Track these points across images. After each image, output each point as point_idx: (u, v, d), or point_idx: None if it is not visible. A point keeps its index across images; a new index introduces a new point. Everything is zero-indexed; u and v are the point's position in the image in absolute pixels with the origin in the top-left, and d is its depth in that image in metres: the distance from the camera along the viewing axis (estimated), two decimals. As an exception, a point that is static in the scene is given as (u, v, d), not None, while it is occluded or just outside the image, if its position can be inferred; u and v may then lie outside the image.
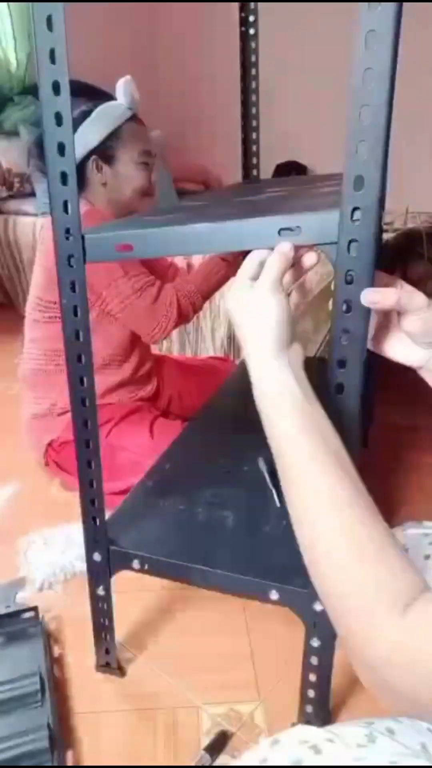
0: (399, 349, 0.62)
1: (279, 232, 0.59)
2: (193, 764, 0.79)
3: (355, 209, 0.55)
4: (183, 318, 1.28)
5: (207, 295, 1.32)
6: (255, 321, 0.57)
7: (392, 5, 0.49)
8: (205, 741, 0.82)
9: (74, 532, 1.13)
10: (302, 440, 0.53)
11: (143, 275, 1.25)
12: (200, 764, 0.78)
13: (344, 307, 0.59)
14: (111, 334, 1.37)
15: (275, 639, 1.00)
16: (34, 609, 1.00)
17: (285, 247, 0.58)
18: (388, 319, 0.63)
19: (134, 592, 1.10)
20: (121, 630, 1.02)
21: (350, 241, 0.57)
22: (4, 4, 2.30)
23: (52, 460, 1.42)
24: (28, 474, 1.52)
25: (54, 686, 0.88)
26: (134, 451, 1.29)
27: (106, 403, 1.38)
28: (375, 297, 0.57)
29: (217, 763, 0.80)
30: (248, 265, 0.59)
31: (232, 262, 1.27)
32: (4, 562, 1.19)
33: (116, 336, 1.38)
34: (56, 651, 0.97)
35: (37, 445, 1.43)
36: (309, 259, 0.61)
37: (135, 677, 0.94)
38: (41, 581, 1.10)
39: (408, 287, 0.59)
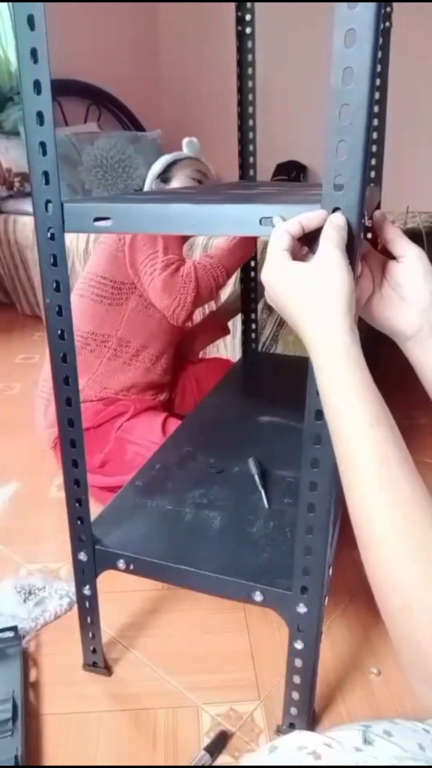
0: (390, 313, 0.60)
1: (260, 221, 0.59)
2: (193, 764, 0.79)
3: (335, 210, 0.55)
4: (203, 292, 1.28)
5: (231, 269, 1.33)
6: (320, 291, 0.51)
7: (371, 4, 0.49)
8: (205, 741, 0.82)
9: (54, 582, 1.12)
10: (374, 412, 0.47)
11: (176, 255, 1.28)
12: (200, 764, 0.78)
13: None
14: (146, 326, 1.38)
15: (275, 639, 1.00)
16: (14, 629, 0.97)
17: (340, 220, 0.54)
18: (379, 282, 0.61)
19: (134, 591, 1.11)
20: (120, 629, 1.03)
21: (331, 242, 0.56)
22: (4, 3, 2.31)
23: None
24: (28, 474, 1.53)
25: (28, 712, 0.85)
26: (144, 446, 1.29)
27: (122, 398, 1.39)
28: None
29: (217, 763, 0.80)
30: (281, 237, 0.54)
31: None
32: (5, 562, 1.20)
33: (150, 328, 1.39)
34: (33, 675, 0.94)
35: (50, 427, 1.41)
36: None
37: (135, 677, 0.93)
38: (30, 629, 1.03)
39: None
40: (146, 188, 1.47)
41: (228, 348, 1.86)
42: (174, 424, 1.35)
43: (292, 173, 3.03)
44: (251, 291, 1.59)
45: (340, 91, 0.52)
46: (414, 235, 2.07)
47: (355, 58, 0.50)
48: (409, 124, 2.72)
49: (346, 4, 0.49)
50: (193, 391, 1.60)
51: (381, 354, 1.68)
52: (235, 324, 1.77)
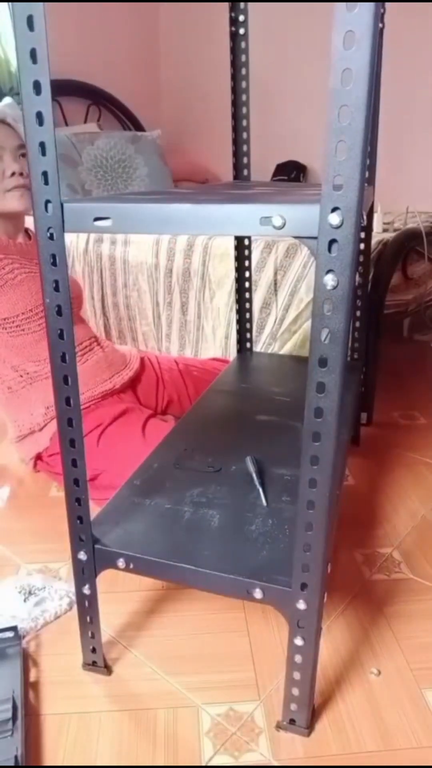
0: None
1: (260, 221, 0.59)
2: (192, 764, 0.79)
3: (334, 209, 0.56)
4: None
5: None
6: None
7: (370, 6, 0.49)
8: (205, 741, 0.82)
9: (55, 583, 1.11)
10: None
11: None
12: (201, 764, 0.79)
13: (325, 308, 0.59)
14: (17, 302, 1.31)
15: (275, 639, 1.00)
16: (14, 629, 0.97)
17: None
18: None
19: (134, 590, 1.11)
20: (120, 629, 1.03)
21: (330, 242, 0.57)
22: (4, 3, 2.31)
23: (44, 470, 1.42)
24: (28, 474, 1.53)
25: (28, 712, 0.85)
26: (128, 454, 1.26)
27: (92, 408, 1.36)
28: None
29: (217, 762, 0.80)
30: None
31: None
32: (5, 562, 1.20)
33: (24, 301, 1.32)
34: (33, 675, 0.94)
35: (26, 458, 1.42)
36: None
37: (135, 677, 0.94)
38: (29, 629, 1.03)
39: None
40: None
41: (223, 348, 1.86)
42: (155, 426, 1.32)
43: (292, 173, 3.03)
44: (246, 290, 1.59)
45: (340, 92, 0.52)
46: (414, 235, 2.07)
47: (354, 60, 0.51)
48: (409, 125, 2.73)
49: (345, 5, 0.50)
50: (189, 391, 1.60)
51: (381, 353, 1.69)
52: (231, 323, 1.77)
